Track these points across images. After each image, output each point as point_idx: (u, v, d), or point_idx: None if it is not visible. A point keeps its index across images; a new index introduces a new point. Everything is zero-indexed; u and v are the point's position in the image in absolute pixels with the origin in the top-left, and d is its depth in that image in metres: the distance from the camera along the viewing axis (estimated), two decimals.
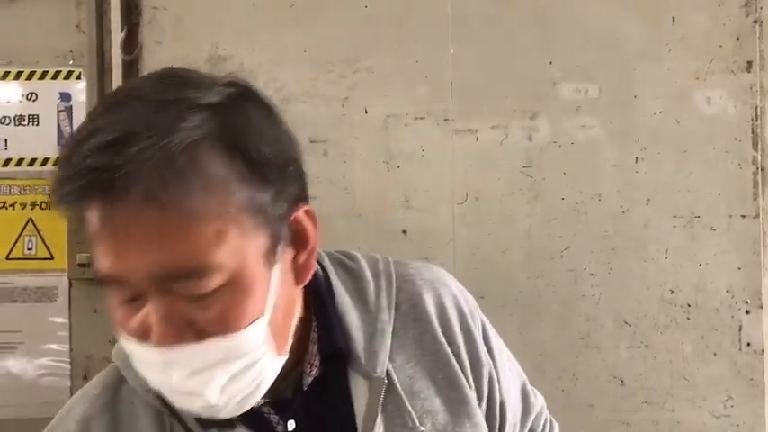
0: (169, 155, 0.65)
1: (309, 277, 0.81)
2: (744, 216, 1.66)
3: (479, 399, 0.92)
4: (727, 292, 1.66)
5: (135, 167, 0.64)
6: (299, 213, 0.78)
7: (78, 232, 0.79)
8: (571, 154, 1.68)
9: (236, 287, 0.70)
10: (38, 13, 1.80)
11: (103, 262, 0.68)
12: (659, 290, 1.66)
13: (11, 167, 1.81)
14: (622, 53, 1.68)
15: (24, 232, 1.80)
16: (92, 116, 0.71)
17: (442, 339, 0.91)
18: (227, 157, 0.69)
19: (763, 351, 1.64)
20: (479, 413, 0.90)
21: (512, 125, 1.69)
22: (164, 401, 0.78)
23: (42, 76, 1.81)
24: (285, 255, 0.77)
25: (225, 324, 0.70)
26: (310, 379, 0.83)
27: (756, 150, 1.66)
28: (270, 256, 0.73)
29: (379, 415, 0.83)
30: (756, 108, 1.66)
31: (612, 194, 1.67)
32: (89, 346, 1.78)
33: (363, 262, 0.93)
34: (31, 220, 1.80)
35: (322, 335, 0.84)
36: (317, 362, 0.84)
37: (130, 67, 1.79)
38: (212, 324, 0.69)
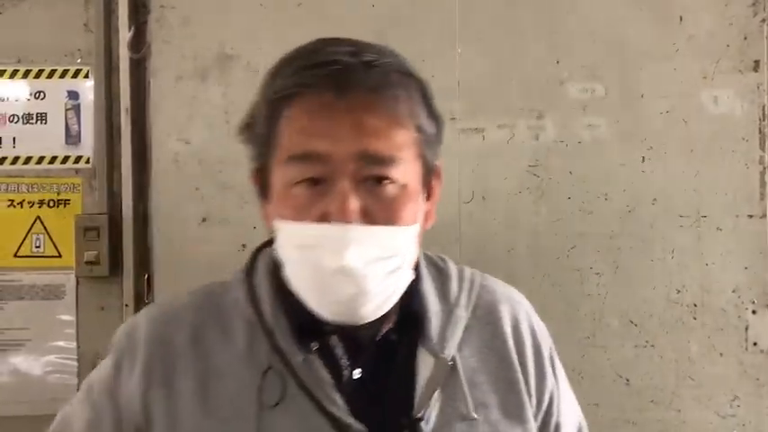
0: (393, 70, 0.85)
1: (429, 225, 0.94)
2: (751, 216, 1.66)
3: (537, 409, 0.95)
4: (733, 291, 1.66)
5: (369, 69, 0.83)
6: (437, 166, 0.94)
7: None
8: (578, 153, 1.68)
9: (404, 191, 0.85)
10: (46, 12, 1.81)
11: (313, 141, 0.82)
12: (665, 289, 1.66)
13: (19, 165, 1.81)
14: (629, 53, 1.68)
15: (32, 230, 1.81)
16: (311, 43, 0.89)
17: (512, 346, 0.96)
18: (421, 94, 0.88)
19: None
20: (533, 423, 0.93)
21: (518, 124, 1.69)
22: (260, 315, 0.89)
23: (50, 75, 1.82)
24: (422, 194, 0.91)
25: (392, 216, 0.84)
26: (384, 330, 0.91)
27: (763, 150, 1.66)
28: (422, 183, 0.90)
29: (437, 392, 0.89)
30: (764, 107, 1.66)
31: (619, 194, 1.67)
32: (96, 343, 1.78)
33: (452, 265, 1.02)
34: (38, 218, 1.81)
35: (403, 300, 0.91)
36: (393, 321, 0.91)
37: (138, 65, 1.79)
38: (383, 213, 0.83)
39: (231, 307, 0.92)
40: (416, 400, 0.88)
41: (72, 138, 1.81)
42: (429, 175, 0.91)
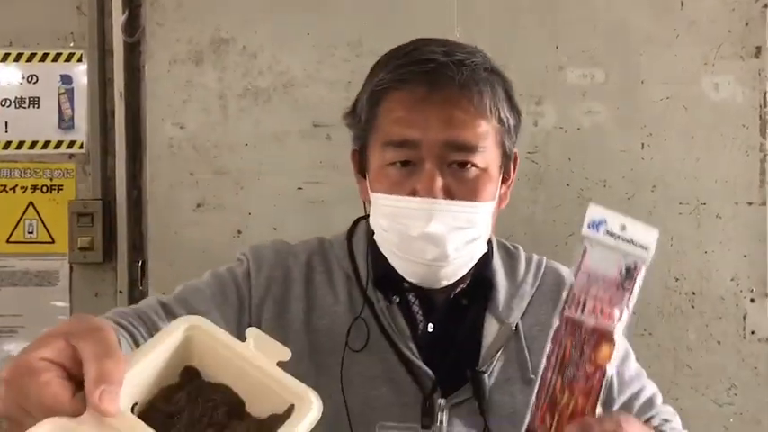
0: (481, 67, 0.97)
1: (504, 205, 1.07)
2: (750, 203, 1.65)
3: None
4: (732, 280, 1.65)
5: (459, 67, 0.95)
6: (515, 153, 1.07)
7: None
8: (577, 139, 1.67)
9: (484, 175, 0.98)
10: None
11: (408, 131, 0.96)
12: (664, 277, 1.65)
13: (11, 150, 1.79)
14: (630, 38, 1.67)
15: (25, 216, 1.79)
16: (408, 43, 1.02)
17: None
18: (504, 89, 1.00)
19: (767, 340, 1.63)
20: None
21: None
22: (356, 270, 1.06)
23: (43, 59, 1.80)
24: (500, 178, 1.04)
25: (472, 193, 0.97)
26: (459, 289, 1.04)
27: (764, 137, 1.65)
28: (501, 168, 1.02)
29: (500, 353, 1.02)
30: (765, 94, 1.65)
31: (618, 181, 1.66)
32: None
33: (522, 251, 1.15)
34: (31, 203, 1.79)
35: (478, 267, 1.05)
36: (463, 286, 1.05)
37: (132, 49, 1.77)
38: (462, 191, 0.96)
39: (334, 261, 1.09)
40: (481, 356, 1.01)
41: (65, 122, 1.79)
42: (507, 161, 1.04)
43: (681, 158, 1.65)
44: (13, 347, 1.77)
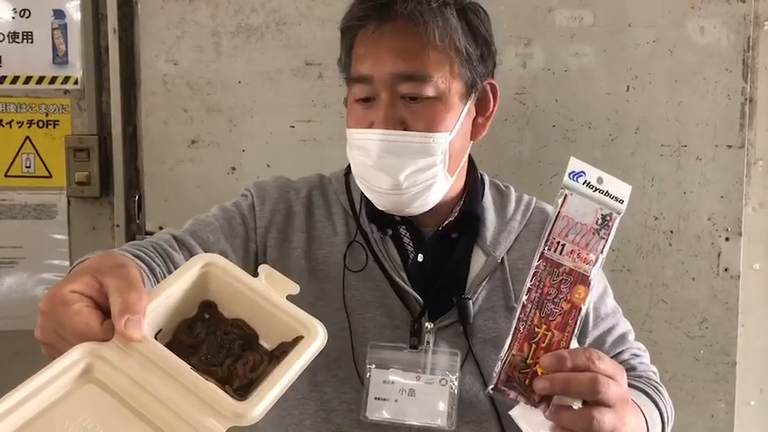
0: (433, 0, 1.00)
1: (480, 137, 1.13)
2: (729, 146, 1.69)
3: None
4: (708, 219, 1.71)
5: (406, 1, 0.99)
6: (488, 83, 1.10)
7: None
8: (564, 81, 1.70)
9: (438, 103, 1.02)
10: None
11: (363, 66, 1.03)
12: (644, 216, 1.71)
13: (6, 85, 1.81)
14: None
15: (22, 150, 1.82)
16: None
17: None
18: (460, 17, 1.03)
19: (739, 276, 1.71)
20: None
21: (507, 51, 1.69)
22: (351, 203, 1.14)
23: None
24: (470, 109, 1.08)
25: (425, 124, 1.02)
26: (447, 222, 1.12)
27: (746, 81, 1.68)
28: (464, 98, 1.05)
29: (485, 282, 1.10)
30: (749, 39, 1.67)
31: (603, 122, 1.70)
32: None
33: (513, 190, 1.22)
34: (28, 138, 1.82)
35: (466, 203, 1.14)
36: (455, 216, 1.13)
37: None
38: (417, 122, 1.01)
39: (333, 196, 1.17)
40: (467, 285, 1.09)
41: (60, 58, 1.80)
42: (472, 90, 1.07)
43: (664, 101, 1.69)
44: (15, 278, 1.83)
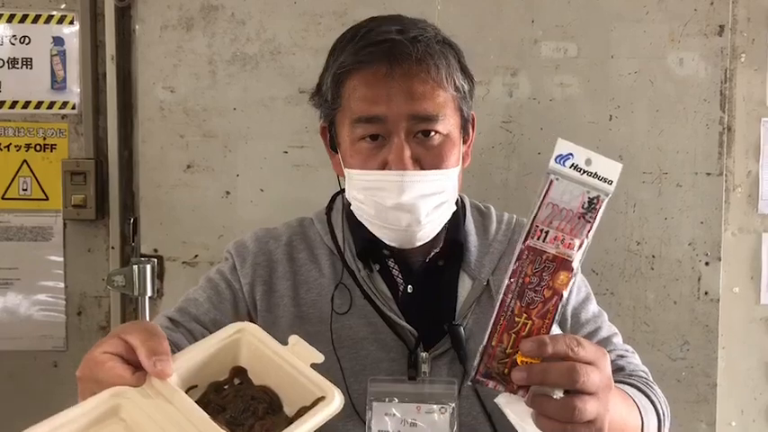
0: (433, 42, 1.05)
1: (467, 164, 1.16)
2: (709, 174, 1.75)
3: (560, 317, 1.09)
4: (689, 244, 1.76)
5: (414, 44, 1.02)
6: (472, 116, 1.15)
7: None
8: (549, 110, 1.76)
9: (447, 140, 1.06)
10: None
11: (374, 107, 1.04)
12: (626, 241, 1.76)
13: (5, 110, 1.85)
14: (601, 14, 1.75)
15: (19, 173, 1.85)
16: (363, 23, 1.09)
17: None
18: (455, 57, 1.08)
19: (719, 300, 1.76)
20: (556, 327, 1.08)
21: (494, 81, 1.75)
22: (335, 242, 1.15)
23: (35, 20, 1.84)
24: (460, 140, 1.11)
25: (438, 161, 1.05)
26: (433, 252, 1.13)
27: (723, 111, 1.75)
28: (461, 130, 1.11)
29: (474, 305, 1.12)
30: (726, 71, 1.74)
31: None
32: (83, 283, 1.86)
33: (493, 210, 1.24)
34: (25, 161, 1.85)
35: (451, 231, 1.15)
36: (438, 248, 1.14)
37: (123, 13, 1.82)
38: (430, 160, 1.05)
39: (316, 236, 1.19)
40: (457, 311, 1.12)
41: (58, 83, 1.84)
42: (466, 124, 1.12)
43: (646, 130, 1.75)
44: (10, 299, 1.85)
